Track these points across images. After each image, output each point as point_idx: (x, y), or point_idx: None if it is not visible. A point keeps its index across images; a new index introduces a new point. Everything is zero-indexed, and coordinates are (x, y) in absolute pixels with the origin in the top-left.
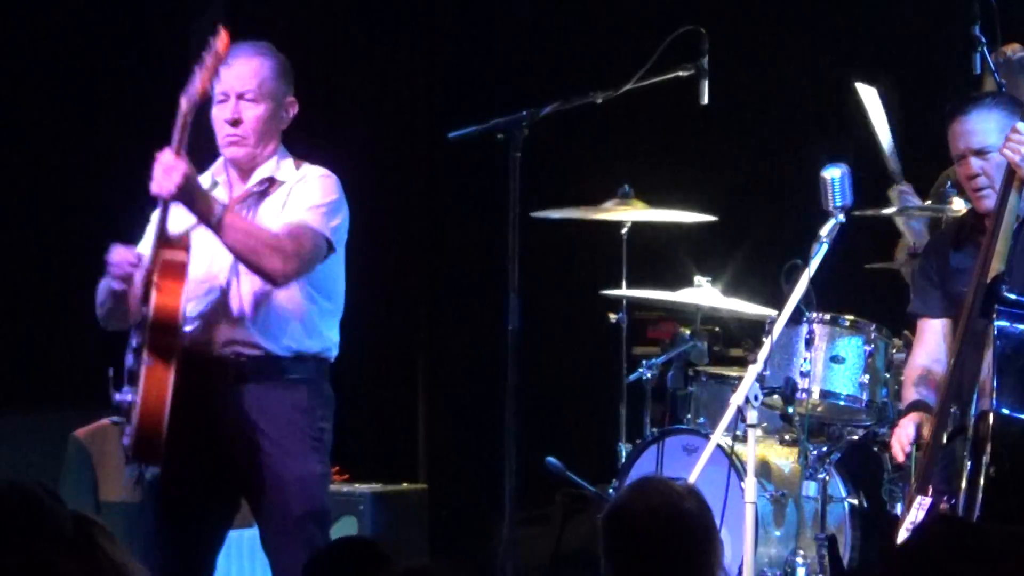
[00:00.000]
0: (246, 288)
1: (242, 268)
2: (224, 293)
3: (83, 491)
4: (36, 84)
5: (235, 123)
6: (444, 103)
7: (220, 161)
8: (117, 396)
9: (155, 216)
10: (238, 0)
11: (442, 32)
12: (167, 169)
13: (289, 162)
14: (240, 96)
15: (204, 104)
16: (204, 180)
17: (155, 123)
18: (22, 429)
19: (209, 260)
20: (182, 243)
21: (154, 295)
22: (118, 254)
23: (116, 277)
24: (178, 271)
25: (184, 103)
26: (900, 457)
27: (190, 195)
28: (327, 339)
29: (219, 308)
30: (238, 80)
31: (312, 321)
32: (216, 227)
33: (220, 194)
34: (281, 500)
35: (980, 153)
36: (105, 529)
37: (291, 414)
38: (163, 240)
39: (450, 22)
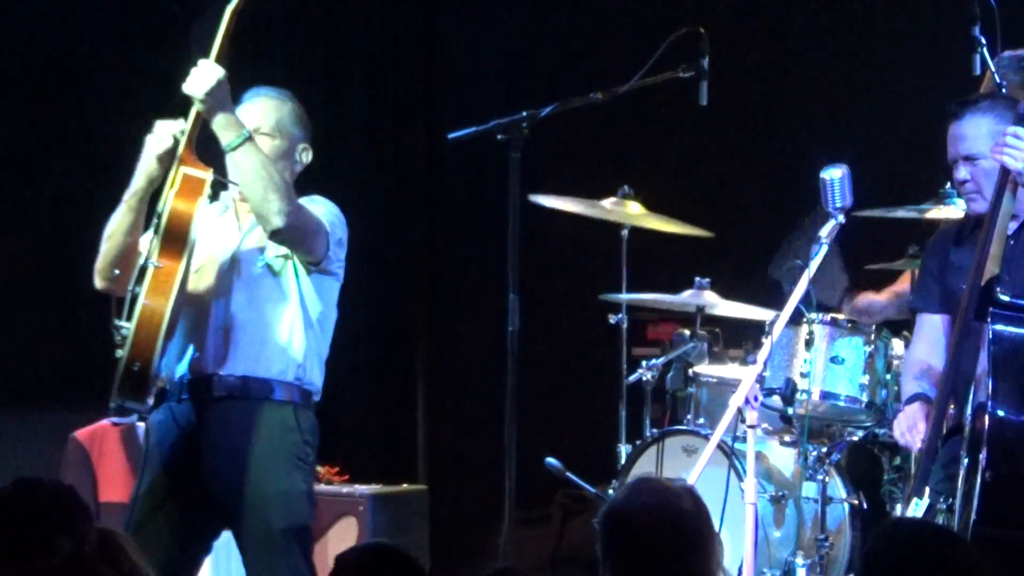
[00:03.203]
0: (235, 312)
1: (231, 295)
2: (214, 316)
3: (83, 491)
4: (37, 82)
5: None
6: (444, 103)
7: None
8: (117, 321)
9: (184, 125)
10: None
11: (442, 32)
12: (205, 70)
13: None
14: (255, 130)
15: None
16: (216, 203)
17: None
18: (22, 429)
19: (200, 282)
20: (204, 164)
21: (171, 200)
22: (163, 126)
23: (157, 145)
24: (196, 187)
25: (229, 9)
26: (906, 441)
27: (220, 103)
28: (313, 372)
29: (209, 330)
30: (255, 115)
31: (300, 350)
32: (235, 147)
33: (230, 218)
34: (263, 514)
35: (969, 159)
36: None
37: (276, 431)
38: (187, 152)
39: (450, 22)
